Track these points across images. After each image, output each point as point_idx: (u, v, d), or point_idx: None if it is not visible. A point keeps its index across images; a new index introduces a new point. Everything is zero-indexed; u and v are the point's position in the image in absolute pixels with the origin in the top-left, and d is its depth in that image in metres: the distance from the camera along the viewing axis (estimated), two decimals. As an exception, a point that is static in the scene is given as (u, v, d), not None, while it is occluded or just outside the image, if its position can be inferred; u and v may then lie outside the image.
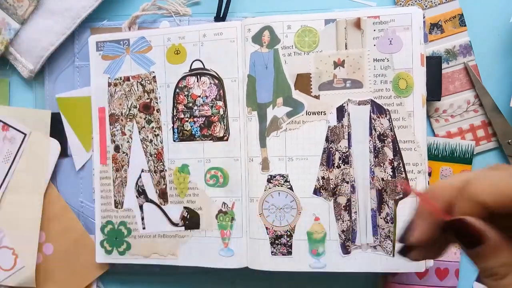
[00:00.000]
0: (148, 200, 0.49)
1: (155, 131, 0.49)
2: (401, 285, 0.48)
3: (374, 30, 0.44)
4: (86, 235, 0.52)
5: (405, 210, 0.43)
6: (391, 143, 0.44)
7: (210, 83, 0.47)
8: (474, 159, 0.49)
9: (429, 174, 0.48)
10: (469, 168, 0.48)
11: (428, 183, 0.44)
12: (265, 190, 0.46)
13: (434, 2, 0.49)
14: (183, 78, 0.48)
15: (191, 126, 0.48)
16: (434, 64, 0.47)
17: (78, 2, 0.50)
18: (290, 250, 0.45)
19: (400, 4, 0.49)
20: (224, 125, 0.47)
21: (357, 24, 0.44)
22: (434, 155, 0.49)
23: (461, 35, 0.49)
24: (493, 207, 0.27)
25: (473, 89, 0.49)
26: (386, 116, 0.44)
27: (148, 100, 0.49)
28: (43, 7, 0.51)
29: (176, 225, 0.48)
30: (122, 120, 0.49)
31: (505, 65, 0.49)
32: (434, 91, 0.47)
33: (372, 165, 0.44)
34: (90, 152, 0.52)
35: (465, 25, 0.49)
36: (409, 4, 0.49)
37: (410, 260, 0.31)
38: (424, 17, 0.44)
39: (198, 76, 0.48)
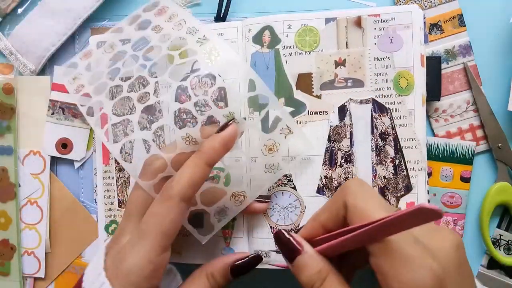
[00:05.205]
0: (151, 200, 0.49)
1: (157, 131, 0.48)
2: (402, 284, 0.48)
3: (375, 29, 0.45)
4: (77, 202, 0.52)
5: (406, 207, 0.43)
6: (392, 141, 0.44)
7: (212, 83, 0.47)
8: (474, 159, 0.49)
9: (429, 175, 0.48)
10: (469, 168, 0.48)
11: (428, 183, 0.44)
12: (268, 190, 0.46)
13: (434, 2, 0.49)
14: (185, 78, 0.48)
15: (193, 127, 0.47)
16: (433, 64, 0.47)
17: (79, 2, 0.50)
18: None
19: (400, 4, 0.49)
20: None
21: (358, 22, 0.45)
22: (435, 155, 0.49)
23: (460, 35, 0.49)
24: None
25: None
26: (387, 115, 0.44)
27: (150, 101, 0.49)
28: (44, 7, 0.51)
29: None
30: (124, 120, 0.49)
31: (504, 66, 0.49)
32: (434, 91, 0.47)
33: (374, 164, 0.45)
34: (90, 150, 0.52)
35: (465, 25, 0.49)
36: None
37: None
38: (424, 18, 0.45)
39: (200, 77, 0.47)
